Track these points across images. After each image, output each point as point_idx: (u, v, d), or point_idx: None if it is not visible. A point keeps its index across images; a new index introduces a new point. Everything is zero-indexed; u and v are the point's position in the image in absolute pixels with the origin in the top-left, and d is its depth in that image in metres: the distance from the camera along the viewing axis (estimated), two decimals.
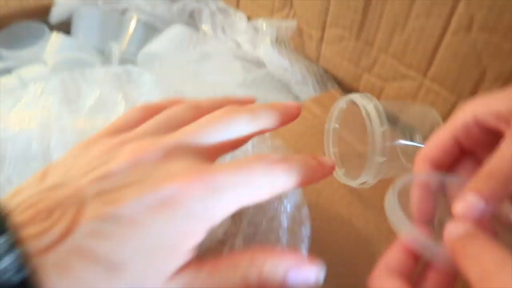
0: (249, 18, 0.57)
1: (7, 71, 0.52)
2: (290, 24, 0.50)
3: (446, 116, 0.38)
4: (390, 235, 0.20)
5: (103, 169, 0.17)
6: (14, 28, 0.57)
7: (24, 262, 0.14)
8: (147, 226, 0.16)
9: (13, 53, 0.54)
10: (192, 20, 0.62)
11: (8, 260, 0.14)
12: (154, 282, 0.16)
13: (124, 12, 0.61)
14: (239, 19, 0.57)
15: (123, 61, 0.57)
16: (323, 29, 0.47)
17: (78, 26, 0.59)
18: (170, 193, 0.16)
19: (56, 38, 0.55)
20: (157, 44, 0.56)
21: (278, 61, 0.49)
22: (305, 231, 0.26)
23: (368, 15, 0.41)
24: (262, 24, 0.51)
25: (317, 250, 0.25)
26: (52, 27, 0.58)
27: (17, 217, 0.16)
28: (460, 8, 0.33)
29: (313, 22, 0.48)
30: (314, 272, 0.18)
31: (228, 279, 0.17)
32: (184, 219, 0.16)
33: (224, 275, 0.17)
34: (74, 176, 0.17)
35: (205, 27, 0.59)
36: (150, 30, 0.60)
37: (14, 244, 0.14)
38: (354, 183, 0.31)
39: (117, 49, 0.57)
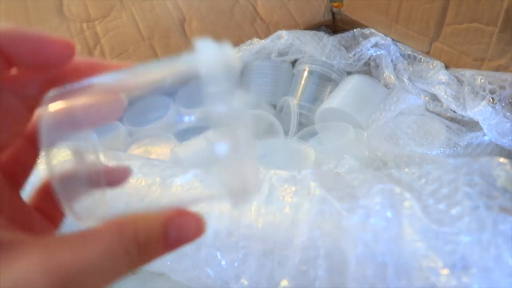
0: (446, 67, 0.49)
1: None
2: None
3: None
4: None
5: None
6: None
7: None
8: None
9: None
10: (369, 68, 0.56)
11: None
12: None
13: (295, 63, 0.58)
14: (434, 66, 0.49)
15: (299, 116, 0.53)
16: None
17: (249, 79, 0.58)
18: None
19: None
20: (337, 99, 0.51)
21: (500, 125, 0.40)
22: None
23: None
24: (474, 76, 0.43)
25: None
26: None
27: None
28: None
29: None
30: (193, 221, 0.17)
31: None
32: None
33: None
34: None
35: (388, 75, 0.53)
36: (324, 80, 0.56)
37: None
38: None
39: (291, 102, 0.54)
